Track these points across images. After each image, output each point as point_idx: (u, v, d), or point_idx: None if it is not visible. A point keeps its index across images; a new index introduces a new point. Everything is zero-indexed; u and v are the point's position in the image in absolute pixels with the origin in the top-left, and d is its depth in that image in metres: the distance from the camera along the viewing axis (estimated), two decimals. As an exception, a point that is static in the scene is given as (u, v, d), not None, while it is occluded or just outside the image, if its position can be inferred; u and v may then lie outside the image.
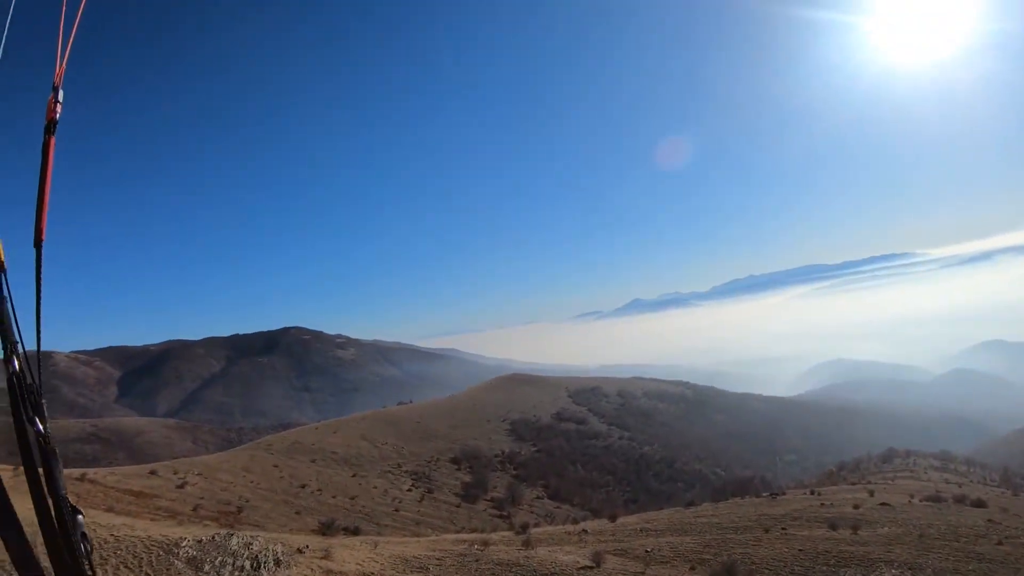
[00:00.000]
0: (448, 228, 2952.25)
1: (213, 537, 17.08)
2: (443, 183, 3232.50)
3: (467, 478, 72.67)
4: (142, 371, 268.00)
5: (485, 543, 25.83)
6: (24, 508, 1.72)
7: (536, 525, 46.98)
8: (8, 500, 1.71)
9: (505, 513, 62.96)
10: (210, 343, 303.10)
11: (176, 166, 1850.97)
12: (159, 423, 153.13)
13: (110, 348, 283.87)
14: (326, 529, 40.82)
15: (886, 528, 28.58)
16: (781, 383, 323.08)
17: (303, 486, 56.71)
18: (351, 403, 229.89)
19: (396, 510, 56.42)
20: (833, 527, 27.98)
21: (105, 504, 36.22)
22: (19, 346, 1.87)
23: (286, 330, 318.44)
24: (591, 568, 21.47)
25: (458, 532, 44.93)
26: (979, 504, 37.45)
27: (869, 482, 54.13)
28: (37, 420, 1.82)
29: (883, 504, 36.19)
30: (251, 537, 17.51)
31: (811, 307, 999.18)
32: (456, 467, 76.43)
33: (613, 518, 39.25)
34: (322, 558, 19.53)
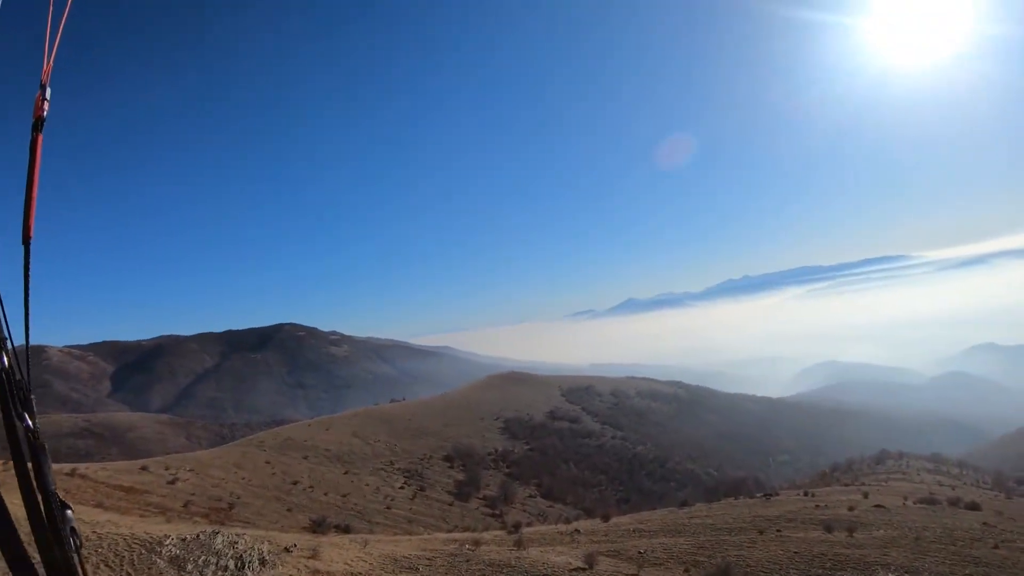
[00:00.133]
0: (443, 226, 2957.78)
1: (198, 535, 16.68)
2: (439, 181, 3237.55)
3: (460, 476, 72.37)
4: (135, 366, 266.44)
5: (476, 543, 25.52)
6: (13, 503, 1.70)
7: (529, 524, 46.73)
8: (1, 499, 1.70)
9: (498, 511, 62.71)
10: (203, 338, 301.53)
11: (170, 161, 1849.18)
12: (152, 418, 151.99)
13: (103, 343, 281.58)
14: (317, 527, 40.52)
15: (881, 531, 28.37)
16: (775, 384, 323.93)
17: (295, 483, 56.33)
18: (344, 400, 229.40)
19: (388, 508, 56.07)
20: (828, 529, 27.74)
21: (95, 500, 35.79)
22: (8, 342, 1.88)
23: (280, 326, 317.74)
24: (583, 570, 21.14)
25: (450, 530, 44.65)
26: (974, 507, 37.33)
27: (862, 484, 54.07)
28: (26, 415, 1.82)
29: (878, 506, 36.01)
30: (236, 536, 17.11)
31: (805, 308, 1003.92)
32: (449, 465, 76.11)
33: (606, 518, 38.94)
34: (309, 558, 19.15)
